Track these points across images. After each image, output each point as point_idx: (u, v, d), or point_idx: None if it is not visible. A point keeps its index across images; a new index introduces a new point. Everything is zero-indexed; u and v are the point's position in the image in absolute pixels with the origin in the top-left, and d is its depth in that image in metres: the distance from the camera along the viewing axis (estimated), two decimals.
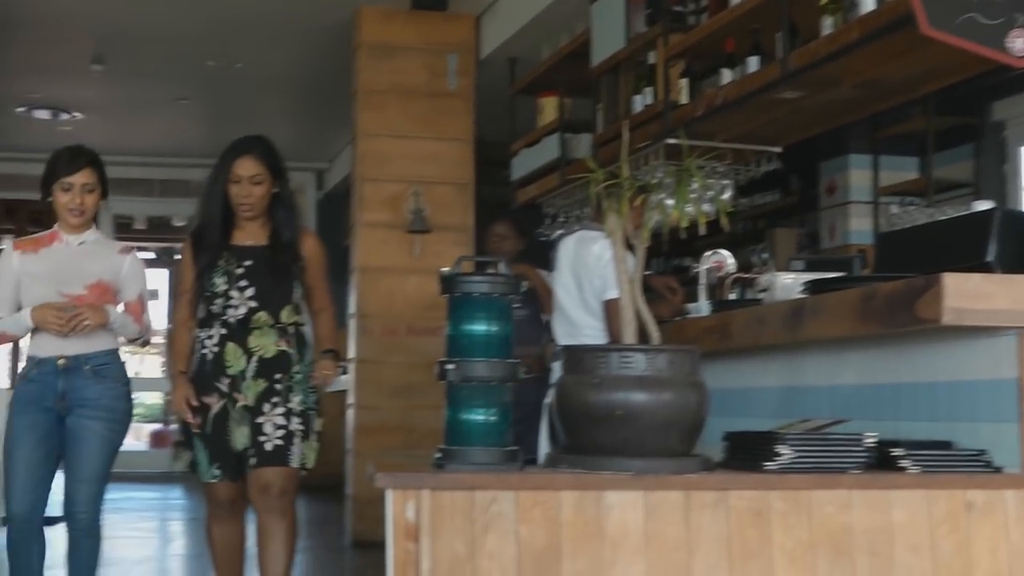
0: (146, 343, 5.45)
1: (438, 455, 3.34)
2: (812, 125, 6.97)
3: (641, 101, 7.46)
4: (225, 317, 4.86)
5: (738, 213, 7.82)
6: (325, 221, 13.70)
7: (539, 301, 6.30)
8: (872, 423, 3.53)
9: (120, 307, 5.02)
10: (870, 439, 3.39)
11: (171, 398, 5.05)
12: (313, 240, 5.03)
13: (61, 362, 4.54)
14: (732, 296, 5.17)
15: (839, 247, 8.02)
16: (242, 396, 4.82)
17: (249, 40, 9.69)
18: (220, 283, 4.79)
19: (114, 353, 4.78)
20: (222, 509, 4.98)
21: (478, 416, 3.32)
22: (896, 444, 3.38)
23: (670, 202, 3.58)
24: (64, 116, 12.32)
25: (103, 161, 5.15)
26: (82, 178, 4.57)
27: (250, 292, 4.80)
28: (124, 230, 15.62)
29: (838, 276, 4.31)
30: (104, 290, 4.65)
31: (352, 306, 8.37)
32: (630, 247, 3.47)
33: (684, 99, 6.95)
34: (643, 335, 3.39)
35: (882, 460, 3.37)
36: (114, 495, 12.37)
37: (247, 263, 4.81)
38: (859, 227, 8.05)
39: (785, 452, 3.31)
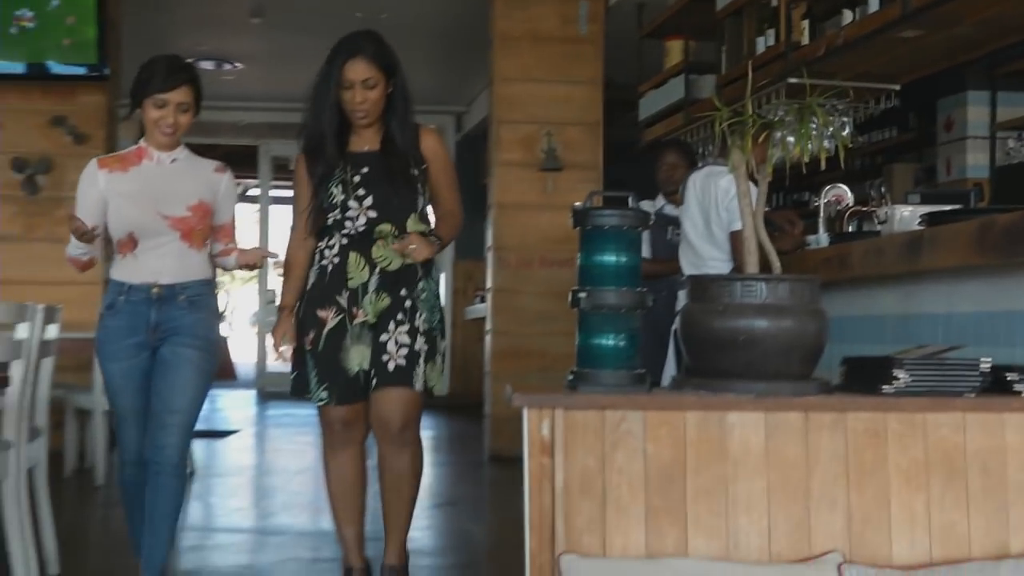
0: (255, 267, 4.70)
1: (570, 377, 3.37)
2: (931, 63, 6.85)
3: (763, 42, 7.39)
4: (345, 228, 4.18)
5: (857, 149, 7.70)
6: (464, 161, 13.73)
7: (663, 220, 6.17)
8: (987, 349, 3.49)
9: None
10: (985, 364, 3.34)
11: (272, 332, 4.39)
12: (433, 138, 4.24)
13: (155, 291, 3.86)
14: (850, 228, 5.09)
15: (956, 181, 7.86)
16: (361, 312, 4.14)
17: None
18: (337, 193, 4.07)
19: (209, 283, 4.11)
20: (335, 436, 4.27)
21: (608, 341, 3.33)
22: (1010, 368, 3.33)
23: (791, 139, 3.50)
24: (227, 66, 12.50)
25: (200, 86, 4.46)
26: (178, 96, 3.84)
27: (368, 202, 4.06)
28: (282, 171, 15.83)
29: (956, 208, 4.23)
30: (206, 211, 3.98)
31: (489, 240, 8.42)
32: (753, 182, 3.44)
33: (805, 40, 6.87)
34: (765, 265, 3.37)
35: (996, 384, 3.32)
36: (275, 411, 12.74)
37: (363, 171, 4.09)
38: (976, 162, 7.89)
39: (901, 376, 3.28)
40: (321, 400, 4.16)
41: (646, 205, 5.76)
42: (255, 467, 8.65)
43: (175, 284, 3.78)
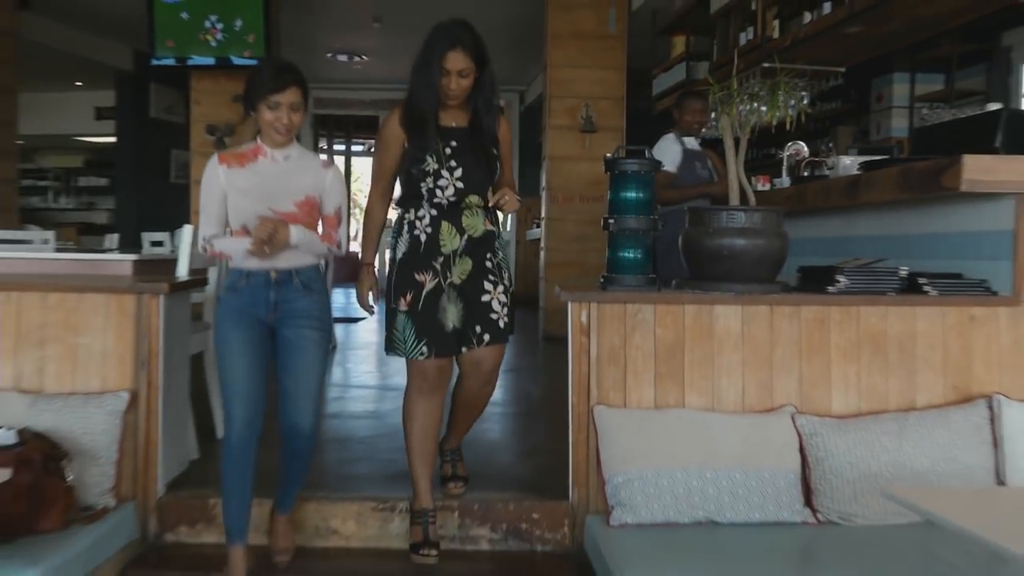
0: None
1: (602, 280, 3.38)
2: (868, 51, 6.80)
3: (745, 37, 7.34)
4: (436, 198, 3.35)
5: (812, 115, 7.57)
6: (526, 126, 13.70)
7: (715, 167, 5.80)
8: (905, 260, 3.46)
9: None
10: (903, 271, 3.32)
11: (357, 289, 3.57)
12: (506, 123, 3.60)
13: (273, 275, 3.17)
14: (806, 173, 5.02)
15: (884, 139, 7.74)
16: (451, 274, 3.35)
17: (474, 2, 9.69)
18: (431, 162, 3.31)
19: (317, 268, 3.38)
20: (428, 384, 3.40)
21: (629, 254, 3.33)
22: (921, 275, 3.30)
23: (764, 108, 3.46)
24: (356, 59, 12.43)
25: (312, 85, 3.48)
26: (289, 97, 3.14)
27: (458, 173, 3.33)
28: None
29: (884, 159, 4.16)
30: (312, 205, 3.27)
31: (543, 182, 8.43)
32: (738, 140, 3.40)
33: (776, 34, 6.81)
34: (744, 199, 3.35)
35: (911, 286, 3.30)
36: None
37: (452, 144, 3.36)
38: (898, 125, 7.78)
39: (841, 280, 3.26)
40: (422, 355, 3.31)
41: (689, 142, 5.48)
42: (377, 343, 8.72)
43: (289, 269, 3.14)
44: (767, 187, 5.42)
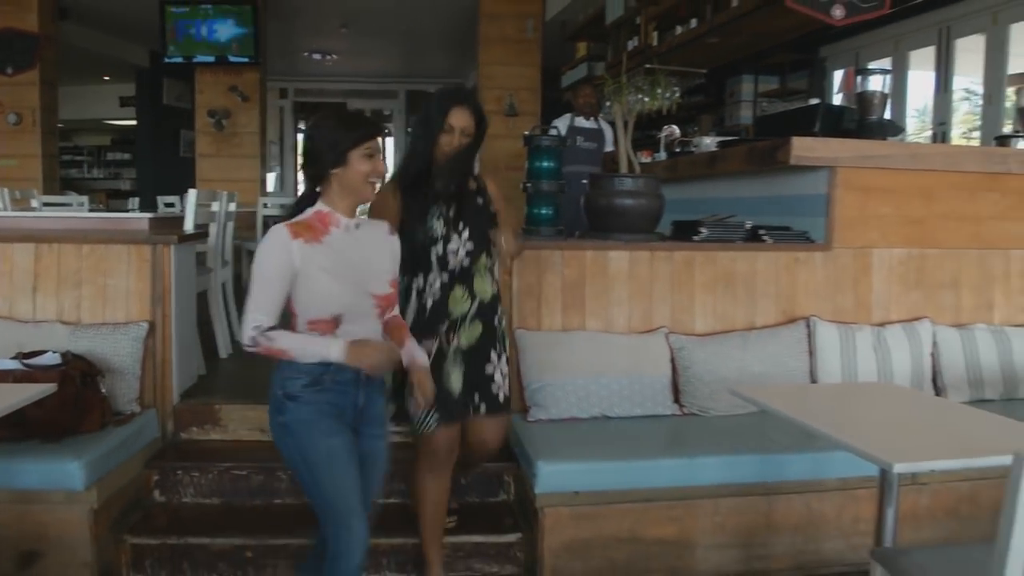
0: None
1: (522, 232, 3.37)
2: (723, 58, 6.79)
3: (631, 43, 7.28)
4: (449, 263, 2.54)
5: (683, 106, 7.60)
6: None
7: (603, 139, 5.84)
8: (750, 216, 3.51)
9: None
10: (748, 224, 3.37)
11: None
12: (492, 180, 2.81)
13: (364, 374, 2.13)
14: (678, 150, 5.04)
15: (735, 125, 7.83)
16: (456, 338, 2.56)
17: (421, 13, 9.49)
18: (439, 227, 2.53)
19: None
20: (438, 460, 2.58)
21: (543, 211, 3.33)
22: (761, 227, 3.36)
23: (646, 99, 3.47)
24: (328, 57, 12.14)
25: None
26: (378, 139, 2.15)
27: (466, 234, 2.56)
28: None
29: (735, 139, 4.21)
30: (396, 283, 2.29)
31: (478, 154, 8.38)
32: (626, 123, 3.40)
33: (655, 43, 6.77)
34: (631, 168, 3.36)
35: (754, 236, 3.36)
36: None
37: (454, 205, 2.58)
38: (745, 114, 7.86)
39: (703, 231, 3.30)
40: (430, 428, 2.51)
41: (579, 120, 5.63)
42: None
43: None
44: (649, 160, 5.43)
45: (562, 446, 2.77)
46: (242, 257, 7.28)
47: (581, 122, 5.57)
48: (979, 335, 3.37)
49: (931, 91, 7.34)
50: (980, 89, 7.10)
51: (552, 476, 2.67)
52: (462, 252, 2.55)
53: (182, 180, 8.22)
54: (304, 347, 2.05)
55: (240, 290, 6.60)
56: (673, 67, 6.36)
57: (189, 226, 3.96)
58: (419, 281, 2.54)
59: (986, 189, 3.45)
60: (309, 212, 2.11)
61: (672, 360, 3.14)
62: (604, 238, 3.26)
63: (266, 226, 7.57)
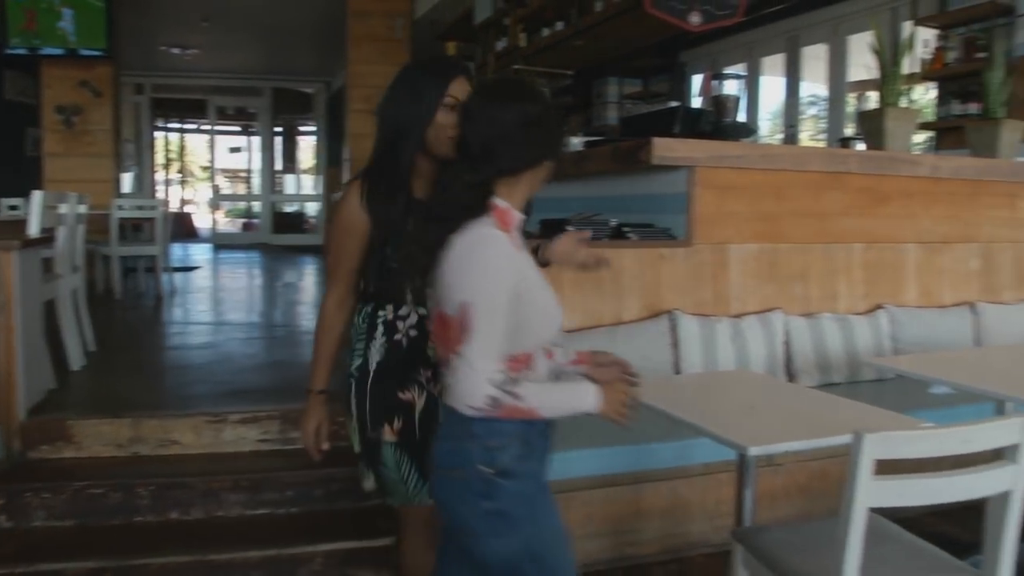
0: None
1: None
2: (590, 60, 6.92)
3: (500, 45, 7.33)
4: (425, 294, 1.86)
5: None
6: (332, 110, 13.28)
7: None
8: (615, 214, 3.59)
9: None
10: (613, 222, 3.45)
11: (300, 423, 2.01)
12: None
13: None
14: None
15: (602, 125, 8.05)
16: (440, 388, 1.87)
17: (287, 8, 9.26)
18: None
19: None
20: (432, 533, 1.96)
21: None
22: (626, 225, 3.45)
23: None
24: (187, 51, 11.65)
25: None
26: None
27: None
28: (221, 115, 14.99)
29: (601, 139, 4.30)
30: None
31: (346, 154, 8.28)
32: None
33: (523, 44, 6.82)
34: None
35: (619, 233, 3.44)
36: (222, 256, 12.18)
37: None
38: (612, 115, 8.11)
39: (571, 229, 3.35)
40: (425, 502, 1.91)
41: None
42: (211, 288, 8.30)
43: None
44: None
45: None
46: (95, 262, 6.88)
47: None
48: (826, 323, 3.60)
49: (782, 95, 7.78)
50: (825, 94, 7.59)
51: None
52: None
53: (28, 181, 7.69)
54: (559, 401, 1.57)
55: (96, 297, 6.25)
56: (541, 68, 6.49)
57: (34, 230, 3.71)
58: (386, 313, 1.88)
59: (830, 187, 3.68)
60: (499, 206, 1.61)
61: None
62: None
63: (123, 229, 7.18)
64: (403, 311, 1.89)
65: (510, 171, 1.61)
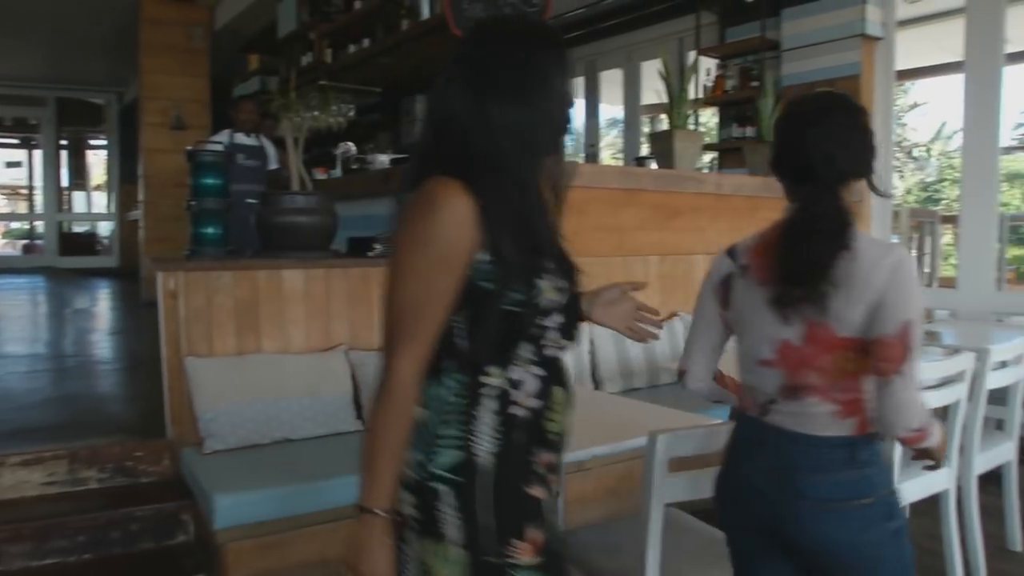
0: None
1: (187, 253, 3.17)
2: (397, 77, 6.90)
3: (305, 59, 7.17)
4: (546, 347, 1.26)
5: (359, 123, 7.65)
6: (124, 123, 12.42)
7: (266, 157, 5.64)
8: None
9: None
10: None
11: (359, 563, 1.19)
12: None
13: None
14: (354, 167, 5.07)
15: (411, 143, 8.07)
16: (560, 480, 1.35)
17: (72, 13, 8.58)
18: (550, 292, 1.24)
19: None
20: None
21: (209, 230, 3.16)
22: None
23: (320, 115, 3.44)
24: None
25: None
26: None
27: (565, 299, 1.31)
28: None
29: (406, 156, 4.31)
30: None
31: (140, 171, 7.74)
32: (296, 139, 3.33)
33: (329, 59, 6.72)
34: (303, 185, 3.30)
35: None
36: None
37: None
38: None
39: (378, 247, 3.34)
40: None
41: (239, 137, 5.37)
42: None
43: None
44: (325, 176, 5.40)
45: (242, 476, 2.63)
46: None
47: (242, 139, 5.35)
48: None
49: (583, 117, 8.15)
50: (622, 116, 8.03)
51: (232, 509, 2.52)
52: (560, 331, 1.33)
53: None
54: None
55: None
56: (347, 84, 6.40)
57: None
58: (496, 380, 1.26)
59: (627, 204, 3.89)
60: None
61: (353, 377, 3.12)
62: (277, 257, 3.16)
63: None
64: (516, 374, 1.27)
65: (853, 176, 1.53)
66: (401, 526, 1.25)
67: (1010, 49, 4.63)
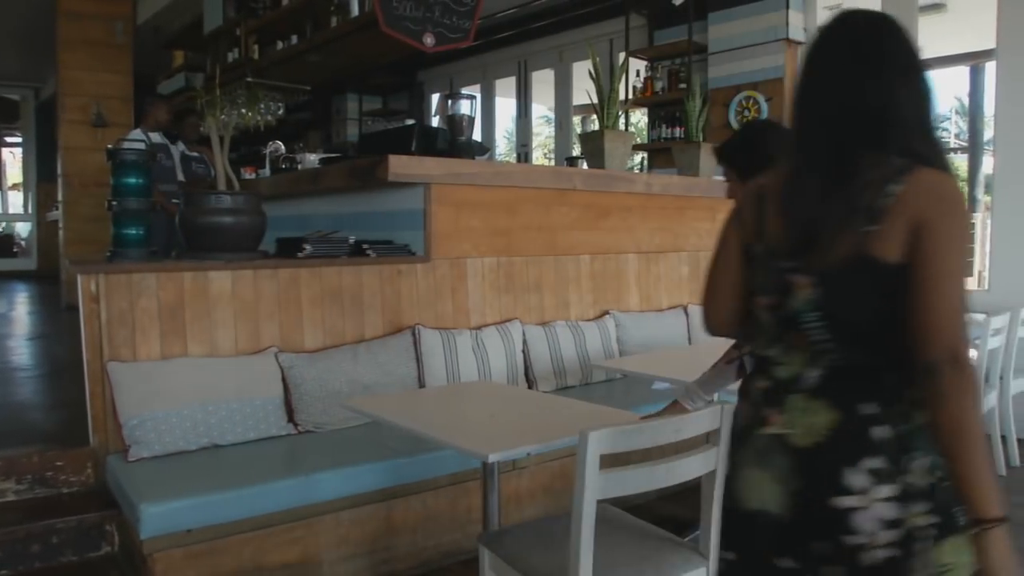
0: None
1: (109, 254, 3.06)
2: (327, 75, 6.83)
3: (232, 56, 7.02)
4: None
5: (288, 121, 7.54)
6: (41, 120, 11.93)
7: (175, 159, 5.61)
8: (353, 231, 3.57)
9: None
10: (352, 239, 3.43)
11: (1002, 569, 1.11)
12: None
13: None
14: (284, 166, 4.97)
15: (342, 142, 7.98)
16: None
17: None
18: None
19: None
20: None
21: (132, 231, 3.06)
22: (365, 242, 3.43)
23: (247, 113, 3.36)
24: None
25: None
26: None
27: None
28: None
29: (337, 156, 4.26)
30: None
31: (60, 169, 7.46)
32: (222, 138, 3.26)
33: (256, 56, 6.59)
34: (230, 184, 3.23)
35: (357, 250, 3.42)
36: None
37: None
38: (352, 132, 8.07)
39: (308, 247, 3.29)
40: None
41: (155, 136, 5.35)
42: None
43: None
44: (253, 176, 5.29)
45: (168, 483, 2.56)
46: None
47: (156, 138, 5.32)
48: (560, 331, 3.82)
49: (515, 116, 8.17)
50: (553, 116, 8.07)
51: (159, 517, 2.45)
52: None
53: None
54: None
55: None
56: (276, 82, 6.30)
57: None
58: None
59: (558, 203, 3.92)
60: None
61: (283, 379, 3.07)
62: (203, 258, 3.08)
63: None
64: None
65: None
66: (911, 542, 1.17)
67: None
